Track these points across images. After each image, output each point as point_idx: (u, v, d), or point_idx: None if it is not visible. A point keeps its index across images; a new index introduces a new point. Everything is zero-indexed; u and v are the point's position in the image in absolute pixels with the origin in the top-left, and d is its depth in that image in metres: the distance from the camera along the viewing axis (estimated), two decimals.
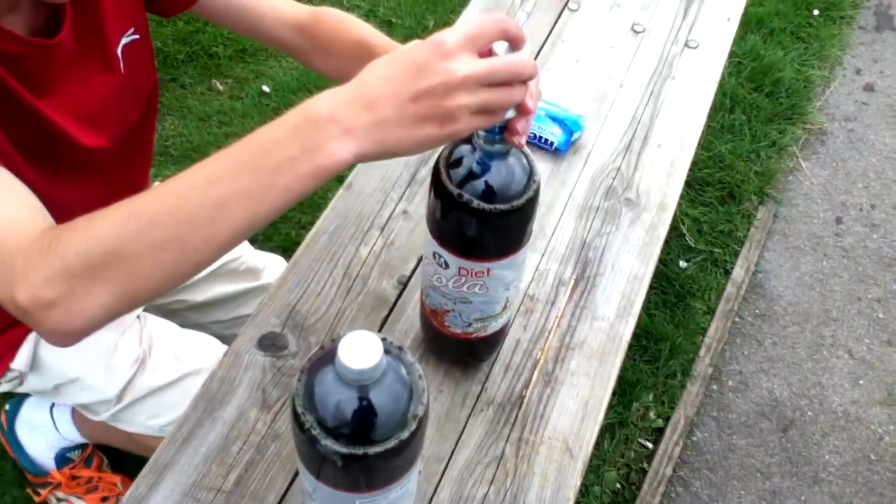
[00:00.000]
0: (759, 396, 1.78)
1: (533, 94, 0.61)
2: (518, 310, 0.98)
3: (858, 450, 1.74)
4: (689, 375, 1.76)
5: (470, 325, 0.82)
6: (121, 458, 1.44)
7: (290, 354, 0.91)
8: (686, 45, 1.31)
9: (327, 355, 0.57)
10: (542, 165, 1.14)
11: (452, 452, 0.87)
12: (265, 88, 2.16)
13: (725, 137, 2.20)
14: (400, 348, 0.60)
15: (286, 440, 0.85)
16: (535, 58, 1.28)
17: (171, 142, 2.02)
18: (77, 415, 1.32)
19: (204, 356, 1.12)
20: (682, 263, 1.94)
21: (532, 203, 0.70)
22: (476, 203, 0.67)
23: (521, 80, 0.57)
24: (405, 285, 0.99)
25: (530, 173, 0.70)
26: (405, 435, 0.56)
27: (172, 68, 2.17)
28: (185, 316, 1.29)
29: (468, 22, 0.56)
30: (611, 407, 1.66)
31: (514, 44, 0.58)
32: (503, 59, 0.56)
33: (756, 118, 2.28)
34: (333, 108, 0.55)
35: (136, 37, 0.91)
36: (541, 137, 1.13)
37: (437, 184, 0.70)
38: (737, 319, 1.90)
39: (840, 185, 2.25)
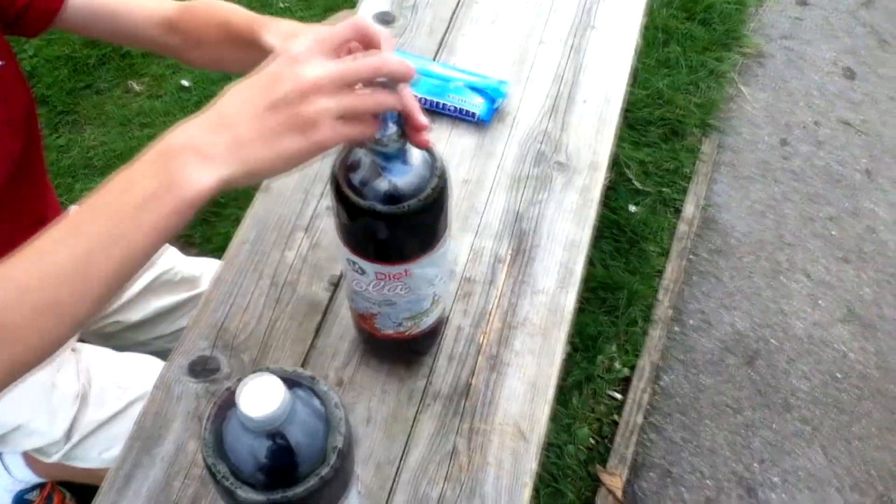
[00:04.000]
0: (723, 332, 1.78)
1: (411, 104, 0.58)
2: (456, 294, 0.95)
3: (825, 371, 1.75)
4: (649, 321, 1.75)
5: (401, 324, 0.79)
6: (85, 487, 1.40)
7: (224, 377, 0.87)
8: None
9: (232, 399, 0.53)
10: (467, 139, 1.10)
11: (403, 454, 0.84)
12: (184, 83, 2.07)
13: (662, 72, 2.17)
14: (312, 378, 0.56)
15: None
16: (450, 22, 1.22)
17: (94, 152, 1.94)
18: (29, 456, 1.27)
19: (147, 380, 1.08)
20: (632, 208, 1.92)
21: (439, 197, 0.66)
22: (378, 207, 0.63)
23: (385, 81, 0.54)
24: (337, 286, 0.95)
25: (433, 165, 0.66)
26: (325, 471, 0.53)
27: (85, 74, 2.07)
28: (125, 337, 1.24)
29: (320, 29, 0.53)
30: (575, 363, 1.66)
31: (371, 43, 0.56)
32: (359, 59, 0.53)
33: (691, 48, 2.24)
34: (188, 135, 0.52)
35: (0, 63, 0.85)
36: (462, 110, 1.09)
37: (335, 190, 0.65)
38: (692, 257, 1.89)
39: (783, 106, 2.24)
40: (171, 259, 1.27)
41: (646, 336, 1.72)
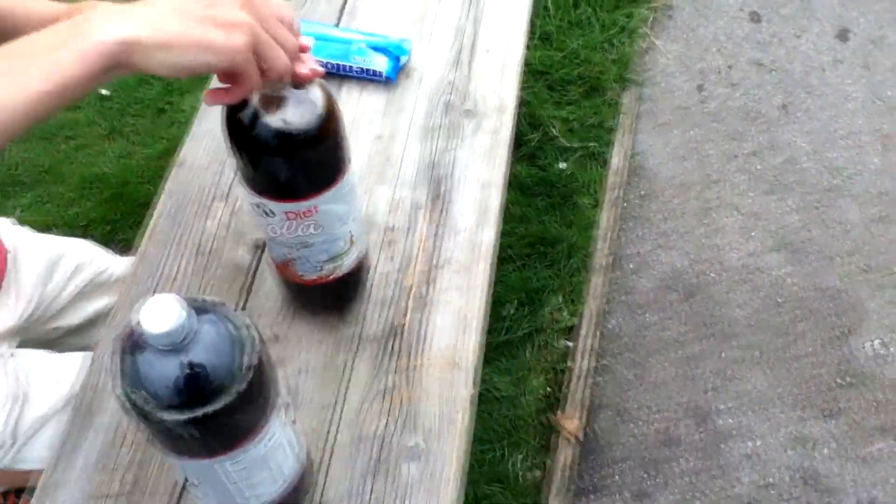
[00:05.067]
0: (661, 272, 1.83)
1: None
2: (381, 244, 0.97)
3: (763, 297, 1.81)
4: (590, 269, 1.79)
5: (321, 268, 0.81)
6: None
7: None
8: None
9: (135, 331, 0.55)
10: (376, 97, 1.12)
11: (343, 398, 0.86)
12: (104, 92, 2.06)
13: (575, 33, 2.22)
14: (221, 304, 0.58)
15: None
16: None
17: (21, 169, 1.93)
18: None
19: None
20: (561, 165, 1.97)
21: (327, 127, 0.68)
22: (270, 140, 0.65)
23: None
24: (261, 248, 0.97)
25: (322, 99, 0.68)
26: (241, 387, 0.55)
27: None
28: (67, 342, 1.24)
29: None
30: (523, 318, 1.69)
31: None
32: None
33: (601, 8, 2.30)
34: (107, 5, 0.54)
35: None
36: (367, 70, 1.11)
37: (228, 130, 0.67)
38: (624, 205, 1.94)
39: (695, 54, 2.31)
40: (105, 261, 1.27)
41: (588, 284, 1.77)
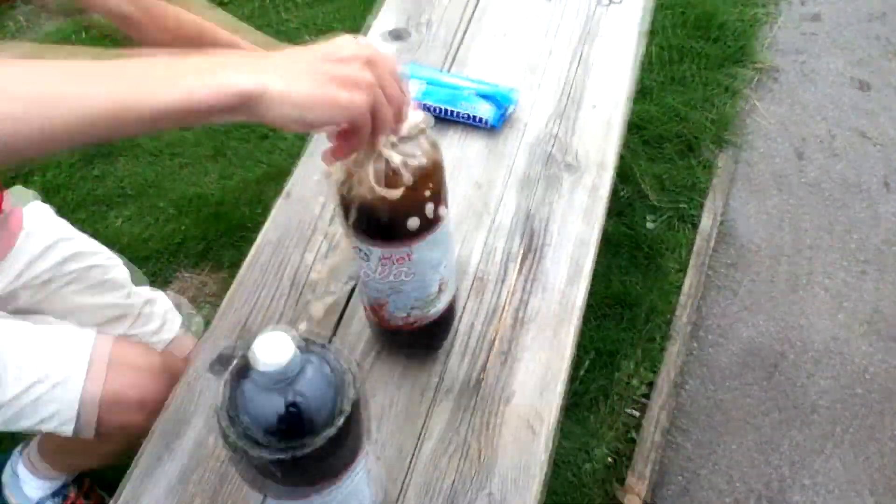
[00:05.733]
0: (741, 347, 1.77)
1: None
2: (470, 292, 0.97)
3: (845, 385, 1.73)
4: (668, 336, 1.74)
5: (409, 313, 0.81)
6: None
7: None
8: (611, 0, 1.30)
9: (246, 366, 0.55)
10: (478, 143, 1.12)
11: (416, 447, 0.85)
12: None
13: (676, 90, 2.18)
14: (323, 345, 0.58)
15: None
16: (463, 36, 1.27)
17: (126, 182, 2.01)
18: (25, 458, 1.30)
19: (57, 359, 0.99)
20: (649, 224, 1.93)
21: (429, 177, 0.69)
22: (376, 190, 0.66)
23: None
24: (355, 284, 0.97)
25: (427, 149, 0.69)
26: (337, 429, 0.55)
27: None
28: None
29: None
30: (593, 380, 1.65)
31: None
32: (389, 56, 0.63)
33: (705, 66, 2.26)
34: (248, 56, 0.59)
35: None
36: (473, 116, 1.12)
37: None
38: (710, 272, 1.88)
39: (797, 119, 2.24)
40: (109, 262, 1.18)
41: (664, 352, 1.72)
